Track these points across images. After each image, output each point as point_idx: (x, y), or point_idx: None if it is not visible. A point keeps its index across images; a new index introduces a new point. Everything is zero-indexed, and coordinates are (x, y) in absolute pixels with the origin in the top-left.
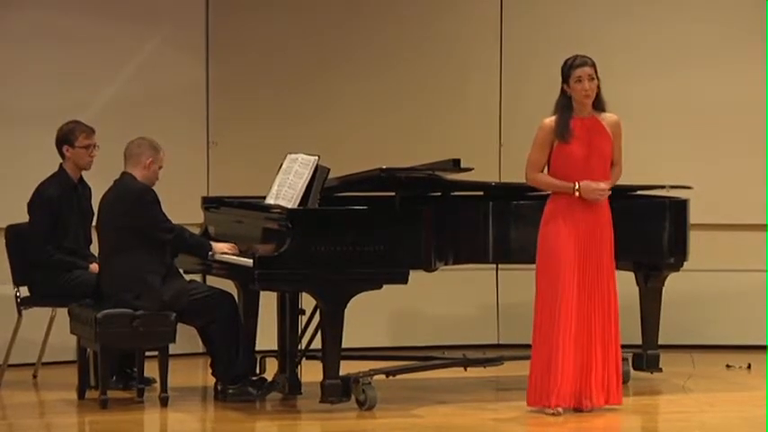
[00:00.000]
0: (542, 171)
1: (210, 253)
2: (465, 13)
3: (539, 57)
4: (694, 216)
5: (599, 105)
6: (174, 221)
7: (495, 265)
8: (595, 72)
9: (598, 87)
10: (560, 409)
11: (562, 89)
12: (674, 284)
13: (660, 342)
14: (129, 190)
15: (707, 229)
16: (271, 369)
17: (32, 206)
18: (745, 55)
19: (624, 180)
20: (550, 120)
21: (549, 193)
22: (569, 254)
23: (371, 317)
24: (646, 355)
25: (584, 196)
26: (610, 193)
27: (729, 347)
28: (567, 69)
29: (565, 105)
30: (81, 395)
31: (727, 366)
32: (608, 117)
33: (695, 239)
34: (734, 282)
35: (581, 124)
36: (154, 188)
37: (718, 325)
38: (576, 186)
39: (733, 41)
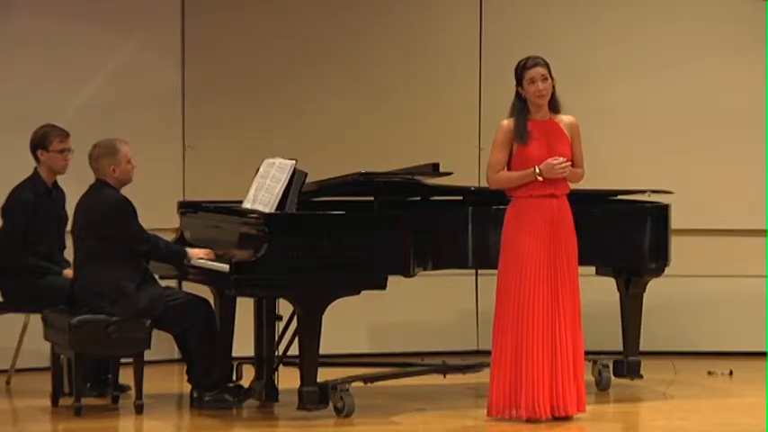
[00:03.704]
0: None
1: (186, 259)
2: (443, 15)
3: (519, 59)
4: (676, 221)
5: (555, 107)
6: (149, 226)
7: (474, 271)
8: (549, 72)
9: (553, 88)
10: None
11: (517, 92)
12: (655, 290)
13: (641, 348)
14: (106, 201)
15: (689, 234)
16: (247, 376)
17: (6, 211)
18: (743, 54)
19: (606, 184)
20: (508, 121)
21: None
22: (534, 259)
23: (349, 323)
24: (626, 362)
25: (546, 176)
26: (570, 167)
27: (711, 354)
28: (520, 71)
29: (520, 108)
30: (55, 402)
31: (709, 373)
32: (565, 119)
33: (677, 245)
34: (715, 287)
35: (538, 126)
36: (131, 187)
37: (699, 331)
38: (537, 170)
39: (724, 39)
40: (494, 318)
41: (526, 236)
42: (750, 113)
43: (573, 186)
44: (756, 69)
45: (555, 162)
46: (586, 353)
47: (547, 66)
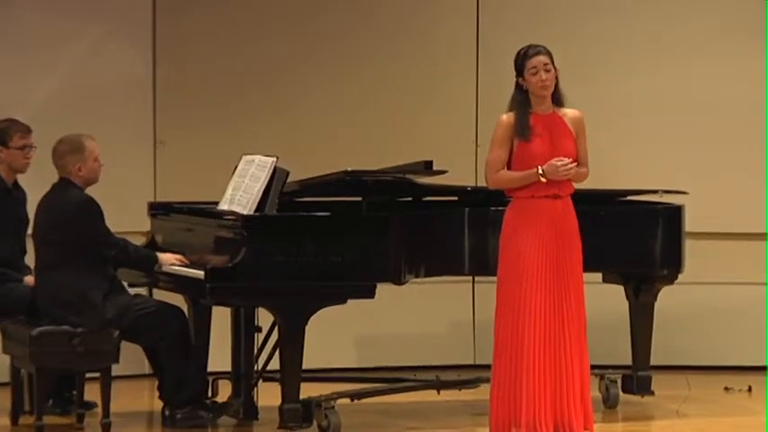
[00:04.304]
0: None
1: (157, 265)
2: (439, 7)
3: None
4: (689, 224)
5: (558, 100)
6: (117, 230)
7: (471, 278)
8: (552, 62)
9: (556, 79)
10: None
11: (517, 83)
12: (667, 299)
13: (652, 362)
14: (70, 201)
15: (703, 237)
16: (224, 392)
17: None
18: (746, 51)
19: (613, 184)
20: (508, 115)
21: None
22: (535, 263)
23: (335, 335)
24: (636, 377)
25: (550, 178)
26: (575, 167)
27: (728, 368)
28: (521, 60)
29: (521, 101)
30: (14, 421)
31: (726, 389)
32: (569, 113)
33: (691, 249)
34: (733, 295)
35: (541, 120)
36: (97, 187)
37: (716, 344)
38: (540, 171)
39: (730, 36)
40: (493, 328)
41: (527, 239)
42: None
43: (578, 186)
44: None
45: (559, 163)
46: (593, 367)
47: (549, 55)
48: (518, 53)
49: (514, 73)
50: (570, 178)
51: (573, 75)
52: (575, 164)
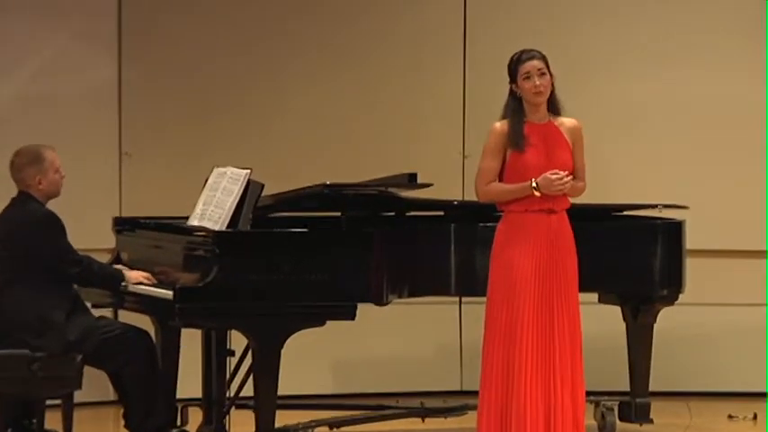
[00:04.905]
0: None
1: (123, 284)
2: (425, 12)
3: (507, 57)
4: (691, 240)
5: (554, 108)
6: (80, 246)
7: (458, 299)
8: (547, 67)
9: (552, 86)
10: None
11: (510, 90)
12: (667, 320)
13: (651, 388)
14: (30, 216)
15: (706, 255)
16: (194, 420)
17: None
18: (746, 57)
19: (609, 198)
20: (502, 123)
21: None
22: (528, 281)
23: (312, 359)
24: (634, 404)
25: (544, 192)
26: (571, 181)
27: (733, 395)
28: (514, 65)
29: (515, 108)
30: None
31: (730, 417)
32: (566, 122)
33: (692, 268)
34: (737, 317)
35: (536, 130)
36: (58, 201)
37: (718, 368)
38: (534, 184)
39: (731, 46)
40: (481, 352)
41: (519, 255)
42: None
43: (572, 200)
44: None
45: (554, 177)
46: (588, 393)
47: (544, 59)
48: (511, 58)
49: (508, 79)
50: (566, 193)
51: (564, 83)
52: (570, 177)
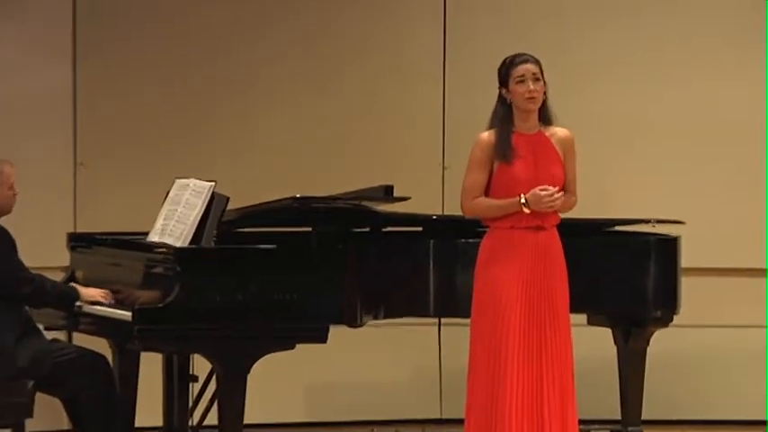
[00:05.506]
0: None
1: (78, 303)
2: (403, 16)
3: (489, 64)
4: (687, 258)
5: (546, 117)
6: (32, 264)
7: (437, 321)
8: (541, 73)
9: (545, 95)
10: None
11: (500, 95)
12: (661, 344)
13: (644, 416)
14: None
15: (702, 274)
16: None
17: None
18: (746, 68)
19: (600, 212)
20: (489, 134)
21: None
22: (514, 301)
23: (281, 384)
24: None
25: (534, 208)
26: (562, 197)
27: (732, 423)
28: (507, 68)
29: (503, 117)
30: None
31: None
32: (558, 132)
33: (688, 287)
34: (736, 341)
35: (525, 141)
36: (8, 215)
37: (716, 395)
38: (523, 200)
39: (730, 55)
40: (466, 377)
41: (505, 272)
42: None
43: (561, 215)
44: None
45: (543, 193)
46: (578, 422)
47: (539, 64)
48: (504, 61)
49: (489, 87)
50: (556, 209)
51: (552, 94)
52: (561, 193)
